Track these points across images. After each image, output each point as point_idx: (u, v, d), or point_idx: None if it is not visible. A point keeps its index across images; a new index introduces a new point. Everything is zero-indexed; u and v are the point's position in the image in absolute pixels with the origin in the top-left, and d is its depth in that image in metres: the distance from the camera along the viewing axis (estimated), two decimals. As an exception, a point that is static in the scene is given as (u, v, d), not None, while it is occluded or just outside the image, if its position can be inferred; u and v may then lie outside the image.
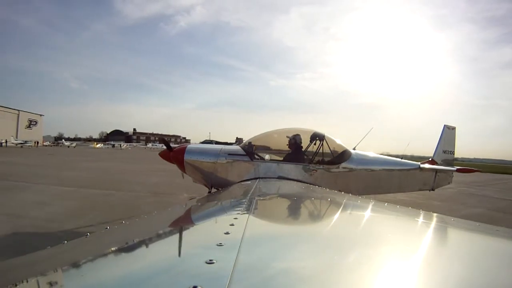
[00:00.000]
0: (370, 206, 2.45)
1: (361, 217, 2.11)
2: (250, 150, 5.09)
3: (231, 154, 5.06)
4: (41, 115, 78.44)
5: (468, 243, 1.52)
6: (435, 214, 2.03)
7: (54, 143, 74.45)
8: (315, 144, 5.14)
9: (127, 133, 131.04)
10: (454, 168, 6.24)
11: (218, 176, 5.03)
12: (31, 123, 72.57)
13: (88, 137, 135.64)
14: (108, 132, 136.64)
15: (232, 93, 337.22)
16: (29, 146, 54.03)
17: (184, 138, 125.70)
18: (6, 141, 52.69)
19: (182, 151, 5.17)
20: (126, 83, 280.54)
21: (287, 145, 5.28)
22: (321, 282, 0.84)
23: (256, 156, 5.06)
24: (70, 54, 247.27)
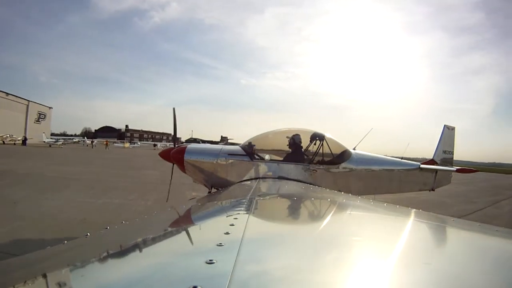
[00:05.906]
0: (370, 206, 2.45)
1: (361, 217, 2.11)
2: (250, 150, 5.09)
3: (231, 154, 5.06)
4: (50, 107, 63.26)
5: (468, 243, 1.52)
6: (435, 214, 2.03)
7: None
8: (315, 144, 5.14)
9: (119, 129, 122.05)
10: (454, 169, 6.25)
11: (218, 176, 5.03)
12: (40, 117, 59.32)
13: (62, 132, 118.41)
14: (96, 128, 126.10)
15: (205, 91, 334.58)
16: (59, 145, 42.64)
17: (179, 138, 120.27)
18: (25, 139, 42.53)
19: (182, 151, 5.18)
20: (97, 78, 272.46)
21: (287, 145, 5.28)
22: (322, 282, 0.84)
23: (256, 156, 5.06)
24: (40, 47, 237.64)
